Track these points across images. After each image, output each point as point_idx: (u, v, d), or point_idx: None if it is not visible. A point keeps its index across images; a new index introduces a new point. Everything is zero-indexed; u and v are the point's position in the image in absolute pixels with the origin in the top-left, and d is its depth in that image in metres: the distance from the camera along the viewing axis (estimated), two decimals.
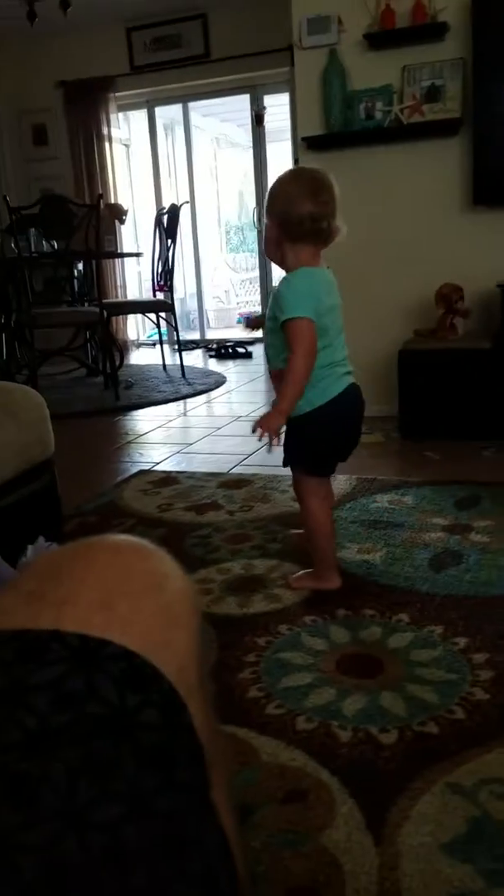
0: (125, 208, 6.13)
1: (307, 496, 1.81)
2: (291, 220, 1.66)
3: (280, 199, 1.68)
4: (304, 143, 3.44)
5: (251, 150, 6.59)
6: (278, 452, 1.76)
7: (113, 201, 6.38)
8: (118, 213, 5.93)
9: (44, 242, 4.80)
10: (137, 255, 6.17)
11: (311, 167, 1.76)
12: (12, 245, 4.45)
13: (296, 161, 3.62)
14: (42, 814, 0.39)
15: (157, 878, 0.42)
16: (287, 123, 6.01)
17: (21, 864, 0.37)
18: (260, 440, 1.64)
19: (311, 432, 1.74)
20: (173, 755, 0.46)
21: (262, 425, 1.64)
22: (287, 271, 1.72)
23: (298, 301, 1.64)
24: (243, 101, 6.46)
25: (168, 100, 6.62)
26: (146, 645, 0.49)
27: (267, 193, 1.73)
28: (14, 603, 0.50)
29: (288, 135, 6.04)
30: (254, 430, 1.65)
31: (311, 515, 1.80)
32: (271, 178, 6.76)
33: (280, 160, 6.48)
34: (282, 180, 1.71)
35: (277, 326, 1.68)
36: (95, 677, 0.45)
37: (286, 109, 6.01)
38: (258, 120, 6.39)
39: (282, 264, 1.73)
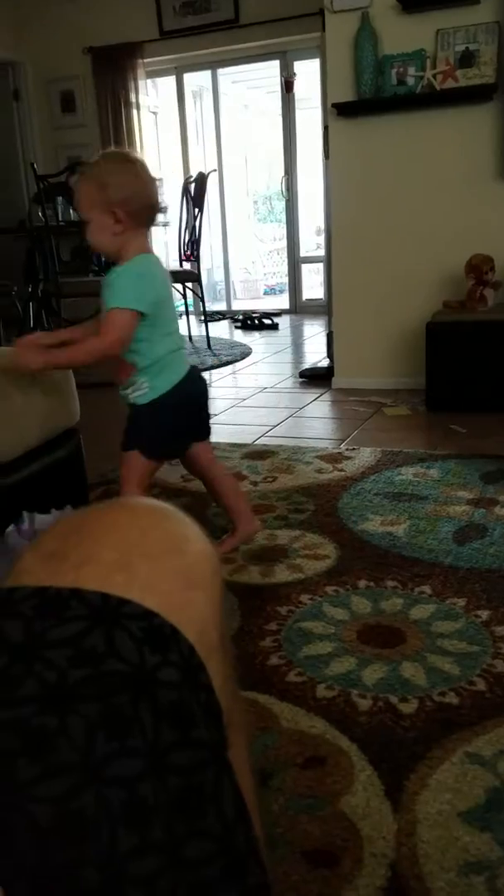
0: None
1: (130, 483, 1.75)
2: (140, 205, 1.60)
3: (119, 187, 1.57)
4: (335, 110, 3.38)
5: (280, 119, 6.49)
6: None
7: None
8: None
9: (71, 211, 4.78)
10: (164, 224, 6.13)
11: (119, 149, 1.67)
12: (40, 214, 4.45)
13: (325, 128, 3.55)
14: (59, 767, 0.39)
15: (174, 833, 0.42)
16: (317, 91, 5.90)
17: (37, 816, 0.38)
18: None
19: (157, 418, 1.73)
20: (191, 713, 0.46)
21: (26, 357, 1.64)
22: (123, 261, 1.64)
23: (133, 291, 1.60)
24: (273, 67, 6.35)
25: (197, 66, 6.53)
26: (166, 605, 0.49)
27: (87, 184, 1.59)
28: (34, 562, 0.51)
29: (317, 103, 5.93)
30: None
31: None
32: (300, 147, 6.74)
33: (309, 128, 6.38)
34: (109, 168, 1.60)
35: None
36: (115, 635, 0.46)
37: (316, 77, 5.89)
38: (287, 87, 6.29)
39: (118, 255, 1.64)
